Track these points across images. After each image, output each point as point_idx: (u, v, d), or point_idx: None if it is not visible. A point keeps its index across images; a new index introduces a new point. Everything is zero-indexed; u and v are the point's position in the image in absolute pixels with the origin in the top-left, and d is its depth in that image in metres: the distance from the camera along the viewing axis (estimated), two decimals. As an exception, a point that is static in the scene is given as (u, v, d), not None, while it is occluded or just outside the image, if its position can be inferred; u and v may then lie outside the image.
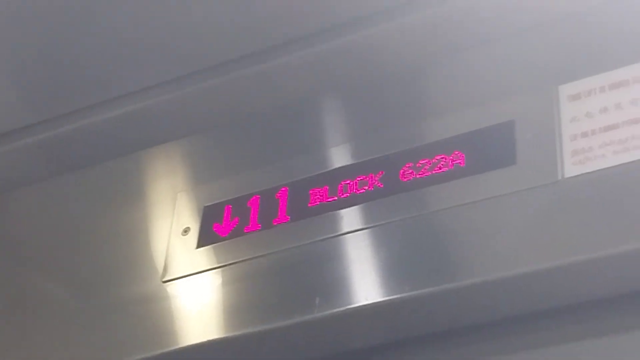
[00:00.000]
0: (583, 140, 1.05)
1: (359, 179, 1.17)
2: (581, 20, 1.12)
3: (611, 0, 1.11)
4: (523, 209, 1.05)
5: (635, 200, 0.99)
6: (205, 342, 1.16)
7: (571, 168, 1.04)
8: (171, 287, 1.22)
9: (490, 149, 1.10)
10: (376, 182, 1.16)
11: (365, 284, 1.11)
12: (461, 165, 1.11)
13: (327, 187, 1.18)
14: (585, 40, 1.11)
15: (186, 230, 1.26)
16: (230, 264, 1.20)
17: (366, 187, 1.16)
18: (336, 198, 1.17)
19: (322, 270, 1.14)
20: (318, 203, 1.18)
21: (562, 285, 1.02)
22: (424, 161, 1.14)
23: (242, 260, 1.19)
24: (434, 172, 1.12)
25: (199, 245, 1.23)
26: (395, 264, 1.11)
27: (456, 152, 1.12)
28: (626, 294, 1.00)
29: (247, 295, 1.18)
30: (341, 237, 1.15)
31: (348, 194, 1.17)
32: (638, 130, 1.02)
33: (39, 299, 1.33)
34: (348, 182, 1.18)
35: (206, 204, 1.26)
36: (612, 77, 1.06)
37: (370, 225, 1.14)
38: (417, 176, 1.13)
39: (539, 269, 1.01)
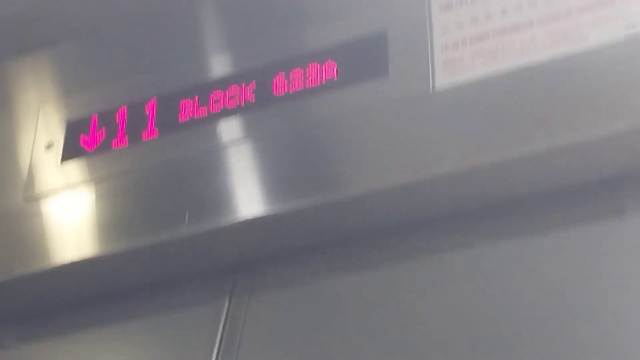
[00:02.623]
0: (454, 51, 1.04)
1: (230, 90, 1.14)
2: None
3: None
4: (396, 120, 1.04)
5: (503, 110, 0.99)
6: (70, 262, 1.13)
7: (442, 79, 1.04)
8: (34, 204, 1.18)
9: (363, 60, 1.09)
10: (248, 95, 1.13)
11: (238, 200, 1.10)
12: (334, 77, 1.09)
13: (198, 99, 1.15)
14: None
15: (50, 145, 1.21)
16: (97, 180, 1.16)
17: (238, 100, 1.13)
18: (207, 111, 1.14)
19: (193, 186, 1.12)
20: (188, 116, 1.15)
21: (435, 196, 1.02)
22: (297, 71, 1.11)
23: (110, 176, 1.16)
24: (306, 84, 1.10)
25: (64, 161, 1.19)
26: (267, 179, 1.09)
27: (329, 62, 1.10)
28: (494, 204, 1.01)
29: (115, 212, 1.14)
30: (212, 151, 1.12)
31: (220, 107, 1.14)
32: (507, 40, 1.02)
33: None
34: (219, 94, 1.14)
35: (71, 117, 1.21)
36: (483, -13, 1.05)
37: (241, 139, 1.11)
38: (290, 89, 1.11)
39: (413, 180, 1.01)
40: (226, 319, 1.08)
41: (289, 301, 1.08)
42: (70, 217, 1.16)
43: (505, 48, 1.01)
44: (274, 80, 1.12)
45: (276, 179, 1.08)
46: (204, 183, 1.11)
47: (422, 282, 1.02)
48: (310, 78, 1.10)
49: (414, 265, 1.04)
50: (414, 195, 1.02)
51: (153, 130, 1.16)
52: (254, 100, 1.13)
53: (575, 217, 0.98)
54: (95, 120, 1.19)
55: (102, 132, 1.19)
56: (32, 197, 1.18)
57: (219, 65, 1.17)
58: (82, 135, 1.19)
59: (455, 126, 1.00)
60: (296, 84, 1.11)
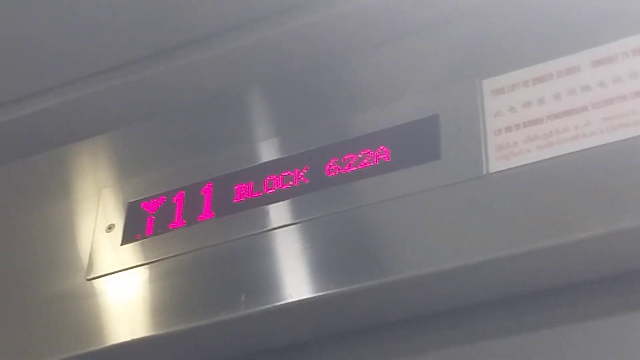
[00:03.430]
0: (507, 134, 1.04)
1: (284, 174, 1.16)
2: (505, 13, 1.12)
3: (535, -6, 1.11)
4: (448, 204, 1.04)
5: (559, 196, 0.99)
6: (130, 340, 1.14)
7: (496, 163, 1.03)
8: (96, 285, 1.20)
9: (415, 144, 1.09)
10: (301, 178, 1.14)
11: (291, 281, 1.10)
12: (386, 160, 1.10)
13: (253, 183, 1.17)
14: (508, 34, 1.10)
15: (110, 227, 1.23)
16: (155, 261, 1.18)
17: (291, 183, 1.15)
18: (261, 194, 1.16)
19: (248, 267, 1.12)
20: (243, 199, 1.17)
21: (487, 280, 1.02)
22: (349, 156, 1.13)
23: (167, 257, 1.17)
24: (359, 167, 1.12)
25: (124, 242, 1.21)
26: (321, 260, 1.09)
27: (381, 147, 1.11)
28: (548, 289, 1.00)
29: (172, 293, 1.16)
30: (267, 233, 1.13)
31: (273, 190, 1.16)
32: (561, 124, 1.02)
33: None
34: (273, 177, 1.16)
35: (130, 200, 1.24)
36: (535, 72, 1.06)
37: (296, 221, 1.13)
38: (343, 171, 1.12)
39: (464, 264, 1.01)
40: (281, 401, 1.09)
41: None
42: (130, 297, 1.18)
43: (560, 132, 1.01)
44: (327, 166, 1.14)
45: (330, 260, 1.08)
46: (260, 264, 1.12)
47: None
48: (362, 163, 1.11)
49: (465, 348, 1.03)
50: (466, 279, 1.02)
51: (209, 212, 1.18)
52: (307, 182, 1.15)
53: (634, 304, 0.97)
54: (154, 203, 1.22)
55: (160, 214, 1.21)
56: (93, 278, 1.20)
57: (271, 151, 1.19)
58: (141, 217, 1.22)
59: (510, 210, 1.00)
60: (349, 169, 1.12)
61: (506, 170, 1.03)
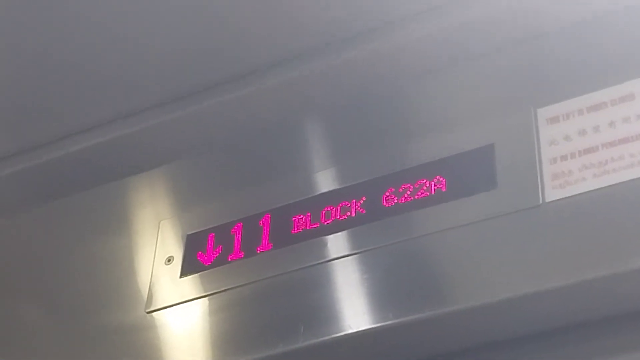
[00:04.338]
0: (563, 163, 1.04)
1: (341, 205, 1.17)
2: (559, 42, 1.12)
3: (588, 23, 1.11)
4: (505, 233, 1.05)
5: (616, 224, 0.99)
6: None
7: (552, 192, 1.04)
8: (155, 317, 1.22)
9: (471, 173, 1.10)
10: (359, 208, 1.15)
11: (350, 312, 1.11)
12: (442, 190, 1.11)
13: (310, 214, 1.18)
14: (563, 63, 1.11)
15: (170, 259, 1.25)
16: (214, 293, 1.19)
17: (349, 213, 1.16)
18: (319, 224, 1.17)
19: (307, 298, 1.13)
20: (301, 230, 1.18)
21: (544, 310, 1.02)
22: (405, 186, 1.13)
23: (226, 289, 1.19)
24: (415, 197, 1.12)
25: (183, 275, 1.23)
26: (379, 291, 1.10)
27: (437, 177, 1.12)
28: (608, 317, 1.00)
29: (231, 325, 1.17)
30: (325, 264, 1.14)
31: (331, 221, 1.17)
32: (617, 153, 1.02)
33: (22, 328, 1.32)
34: (330, 208, 1.17)
35: (189, 232, 1.25)
36: (590, 100, 1.06)
37: (353, 252, 1.13)
38: (399, 201, 1.13)
39: (522, 294, 1.01)
40: None
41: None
42: (189, 329, 1.19)
43: (615, 160, 1.01)
44: (384, 196, 1.14)
45: (388, 291, 1.09)
46: (318, 295, 1.13)
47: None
48: (419, 193, 1.12)
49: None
50: (524, 309, 1.01)
51: (267, 244, 1.19)
52: (364, 213, 1.15)
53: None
54: (212, 236, 1.23)
55: (219, 247, 1.22)
56: (153, 311, 1.22)
57: (328, 181, 1.20)
58: (200, 250, 1.23)
59: (566, 239, 1.00)
60: (405, 199, 1.13)
61: (562, 199, 1.03)
